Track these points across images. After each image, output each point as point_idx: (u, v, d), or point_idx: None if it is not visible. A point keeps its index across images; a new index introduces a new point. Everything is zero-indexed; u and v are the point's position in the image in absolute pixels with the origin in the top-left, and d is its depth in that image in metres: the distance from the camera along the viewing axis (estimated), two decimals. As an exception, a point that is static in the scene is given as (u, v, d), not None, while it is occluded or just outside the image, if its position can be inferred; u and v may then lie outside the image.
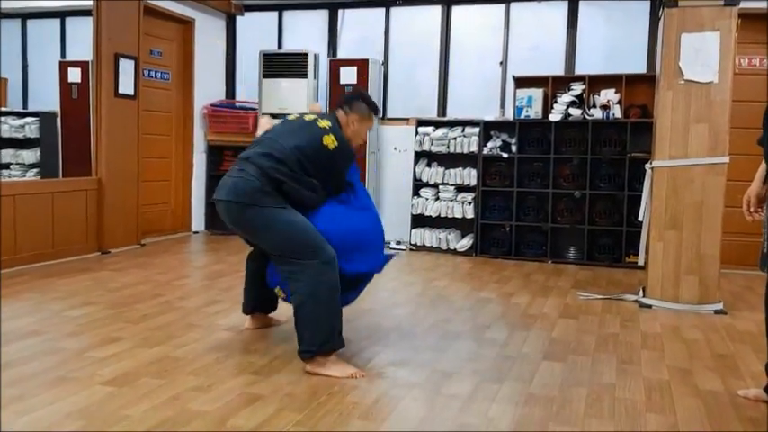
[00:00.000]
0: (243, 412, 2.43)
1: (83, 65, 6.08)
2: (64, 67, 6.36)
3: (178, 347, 3.18)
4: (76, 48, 6.43)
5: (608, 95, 5.90)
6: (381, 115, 6.95)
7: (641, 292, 4.43)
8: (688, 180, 4.20)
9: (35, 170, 6.57)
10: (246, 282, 3.45)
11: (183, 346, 3.20)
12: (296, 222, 2.87)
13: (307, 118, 3.09)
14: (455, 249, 6.25)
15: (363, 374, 2.84)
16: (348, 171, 3.13)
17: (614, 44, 6.26)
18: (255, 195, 2.85)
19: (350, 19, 7.06)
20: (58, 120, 6.48)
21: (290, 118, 3.17)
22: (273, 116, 6.68)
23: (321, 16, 7.13)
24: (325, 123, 3.02)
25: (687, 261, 4.22)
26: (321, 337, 2.82)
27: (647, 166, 4.43)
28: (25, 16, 6.73)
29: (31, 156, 6.59)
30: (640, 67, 6.11)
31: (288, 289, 2.98)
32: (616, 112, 5.87)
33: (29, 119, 6.56)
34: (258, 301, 3.47)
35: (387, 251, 3.20)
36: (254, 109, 7.03)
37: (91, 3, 5.60)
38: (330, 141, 2.97)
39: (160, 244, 6.30)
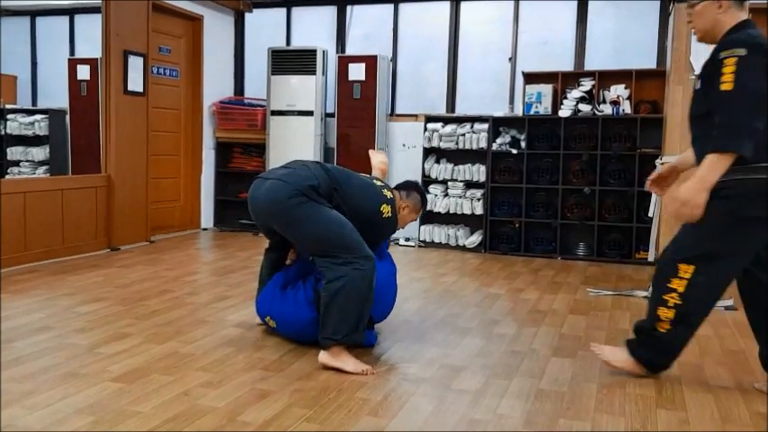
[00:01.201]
0: (253, 408, 2.44)
1: (92, 62, 6.10)
2: (73, 64, 6.38)
3: (188, 343, 3.19)
4: (85, 45, 6.45)
5: (618, 91, 5.87)
6: (390, 111, 6.94)
7: (651, 289, 4.40)
8: (699, 175, 4.17)
9: (45, 167, 6.60)
10: (263, 276, 3.43)
11: (192, 342, 3.21)
12: (341, 219, 2.94)
13: (376, 182, 3.26)
14: (464, 245, 6.24)
15: (374, 372, 2.83)
16: (384, 240, 3.29)
17: (624, 39, 6.22)
18: (307, 189, 2.91)
19: (358, 15, 7.05)
20: (68, 117, 6.51)
21: (361, 174, 3.30)
22: (281, 113, 6.76)
23: (329, 12, 7.13)
24: (388, 193, 3.19)
25: (698, 257, 4.19)
26: (346, 328, 2.82)
27: (658, 161, 4.40)
28: (34, 14, 6.76)
29: (40, 153, 6.62)
30: (650, 63, 6.07)
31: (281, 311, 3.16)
32: (626, 107, 5.84)
33: (38, 116, 6.59)
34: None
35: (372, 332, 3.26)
36: (262, 106, 7.04)
37: (99, 0, 5.61)
38: (386, 210, 3.13)
39: (169, 240, 6.32)
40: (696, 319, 2.68)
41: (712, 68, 2.48)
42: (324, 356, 2.86)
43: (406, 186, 3.41)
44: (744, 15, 2.58)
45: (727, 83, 2.38)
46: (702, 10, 2.63)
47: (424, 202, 3.44)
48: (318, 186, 2.96)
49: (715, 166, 2.38)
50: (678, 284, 2.58)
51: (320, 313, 2.90)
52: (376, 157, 3.68)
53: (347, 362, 2.83)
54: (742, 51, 2.39)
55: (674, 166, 2.91)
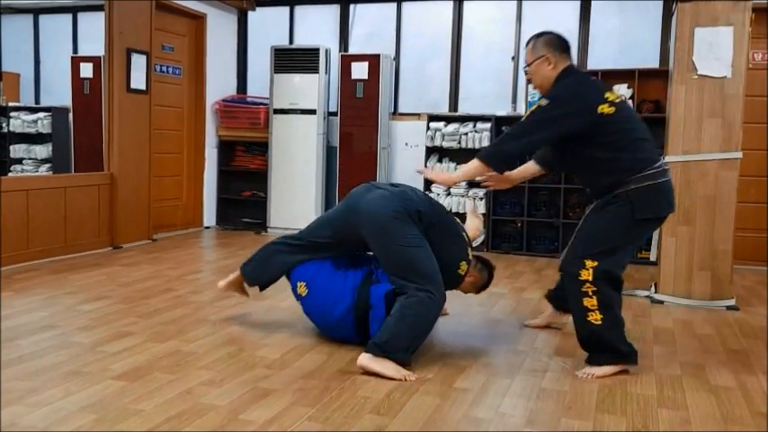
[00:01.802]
0: (255, 406, 2.44)
1: (95, 60, 6.11)
2: (76, 62, 6.39)
3: (190, 342, 3.19)
4: (88, 43, 6.46)
5: (620, 90, 5.85)
6: (393, 110, 6.94)
7: (653, 288, 4.41)
8: (701, 175, 4.17)
9: (47, 165, 6.61)
10: (273, 262, 3.36)
11: (194, 341, 3.21)
12: (430, 251, 2.98)
13: (465, 236, 3.29)
14: (466, 245, 6.23)
15: (416, 377, 2.77)
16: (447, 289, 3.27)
17: (627, 39, 6.22)
18: (414, 212, 3.00)
19: (361, 14, 7.05)
20: (70, 115, 6.52)
21: (455, 219, 3.37)
22: (284, 112, 6.77)
23: (332, 11, 7.12)
24: (470, 254, 3.26)
25: (700, 256, 4.20)
26: (401, 345, 2.82)
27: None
28: (37, 12, 6.77)
29: (43, 151, 6.63)
30: (653, 62, 6.07)
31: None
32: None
33: (41, 114, 6.60)
34: (268, 281, 3.44)
35: None
36: (265, 104, 7.04)
37: (103, -2, 5.62)
38: (463, 268, 3.20)
39: (171, 239, 6.33)
40: (613, 301, 2.90)
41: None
42: (365, 359, 2.80)
43: (484, 261, 3.46)
44: (567, 62, 3.01)
45: (525, 116, 2.97)
46: (536, 69, 3.02)
47: (487, 283, 3.48)
48: (423, 215, 3.02)
49: (476, 167, 2.97)
50: (587, 275, 2.86)
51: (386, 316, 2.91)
52: (473, 221, 3.64)
53: (388, 367, 2.78)
54: (544, 102, 2.90)
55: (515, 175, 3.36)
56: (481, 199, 6.22)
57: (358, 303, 3.06)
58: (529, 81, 3.11)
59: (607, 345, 2.90)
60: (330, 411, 2.42)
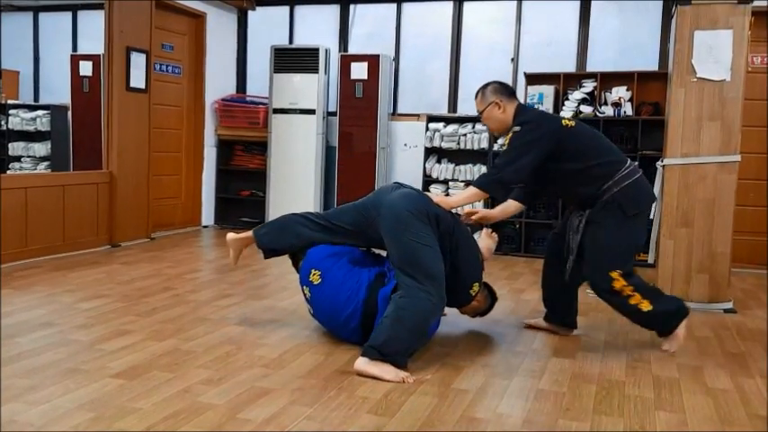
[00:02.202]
0: (253, 406, 2.44)
1: (94, 58, 6.11)
2: (75, 60, 6.39)
3: (188, 340, 3.20)
4: (88, 41, 6.47)
5: (619, 93, 5.87)
6: (392, 111, 6.94)
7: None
8: (699, 178, 4.18)
9: (46, 163, 6.61)
10: (290, 233, 3.33)
11: (193, 340, 3.21)
12: (437, 252, 2.97)
13: (480, 257, 3.31)
14: (464, 246, 6.23)
15: (414, 379, 2.76)
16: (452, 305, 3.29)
17: (626, 41, 6.23)
18: (433, 215, 3.02)
19: (361, 14, 7.05)
20: (69, 113, 6.52)
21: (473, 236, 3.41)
22: (284, 111, 6.77)
23: (333, 11, 7.13)
24: (482, 276, 3.29)
25: (698, 259, 4.21)
26: (397, 347, 2.80)
27: (659, 163, 4.40)
28: (37, 9, 6.77)
29: (42, 148, 6.64)
30: (652, 65, 6.08)
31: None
32: (628, 109, 5.85)
33: (40, 112, 6.61)
34: (278, 251, 3.41)
35: None
36: (264, 104, 7.04)
37: (103, -4, 5.62)
38: (475, 288, 3.22)
39: (170, 238, 6.33)
40: (645, 285, 3.20)
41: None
42: (362, 363, 2.79)
43: (489, 289, 3.46)
44: (516, 103, 3.30)
45: (505, 145, 3.23)
46: (488, 115, 3.29)
47: (487, 311, 3.48)
48: (441, 221, 3.04)
49: (475, 194, 3.23)
50: (620, 284, 3.12)
51: (379, 319, 2.90)
52: (486, 242, 3.55)
53: (386, 369, 2.76)
54: (516, 128, 3.17)
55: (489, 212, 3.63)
56: (479, 200, 6.22)
57: (367, 303, 3.06)
58: (489, 130, 3.49)
59: (666, 316, 3.22)
60: (328, 411, 2.42)
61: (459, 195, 3.30)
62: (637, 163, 3.20)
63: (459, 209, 3.46)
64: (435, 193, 3.15)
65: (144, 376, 2.70)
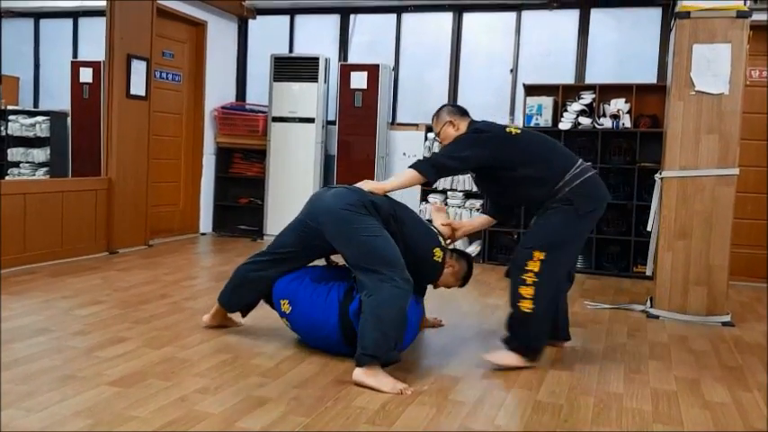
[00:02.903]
0: (250, 415, 2.44)
1: (95, 65, 6.11)
2: (76, 66, 6.39)
3: (185, 348, 3.19)
4: (89, 48, 6.46)
5: (618, 105, 5.90)
6: (391, 120, 6.96)
7: (649, 303, 4.42)
8: (697, 190, 4.19)
9: (45, 169, 6.60)
10: (247, 279, 3.37)
11: (190, 348, 3.21)
12: (390, 239, 2.98)
13: (433, 229, 3.35)
14: (462, 256, 6.24)
15: (412, 390, 2.75)
16: (425, 283, 3.29)
17: (625, 53, 6.26)
18: (369, 204, 3.01)
19: (361, 24, 7.08)
20: (69, 119, 6.51)
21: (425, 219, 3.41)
22: (283, 120, 6.78)
23: (333, 21, 7.15)
24: (442, 241, 3.30)
25: (696, 272, 4.21)
26: (385, 345, 2.80)
27: (657, 176, 4.42)
28: (38, 15, 6.77)
29: (41, 154, 6.62)
30: (651, 77, 6.11)
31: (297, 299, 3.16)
32: (626, 121, 5.87)
33: (40, 118, 6.59)
34: (250, 303, 3.46)
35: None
36: (263, 112, 7.06)
37: (104, 3, 5.63)
38: (438, 254, 3.20)
39: (168, 245, 6.32)
40: (548, 296, 3.12)
41: None
42: (359, 374, 2.78)
43: (460, 252, 3.48)
44: (468, 120, 3.38)
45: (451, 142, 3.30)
46: (444, 134, 3.38)
47: (468, 275, 3.46)
48: (380, 207, 3.04)
49: (411, 177, 3.18)
50: (533, 266, 3.07)
51: (359, 327, 2.87)
52: (439, 216, 3.62)
53: (384, 381, 2.76)
54: (463, 134, 3.28)
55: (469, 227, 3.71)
56: (478, 210, 6.23)
57: (342, 321, 3.05)
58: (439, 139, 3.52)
59: (529, 333, 3.11)
60: (325, 422, 2.41)
61: (394, 179, 3.29)
62: (589, 164, 3.28)
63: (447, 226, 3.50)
64: (369, 185, 3.12)
65: (141, 384, 2.69)
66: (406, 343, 3.12)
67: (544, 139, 3.36)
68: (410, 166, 3.20)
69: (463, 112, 3.43)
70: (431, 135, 6.42)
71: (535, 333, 3.12)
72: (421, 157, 3.64)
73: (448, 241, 3.48)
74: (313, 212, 3.13)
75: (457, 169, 3.33)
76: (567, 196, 3.11)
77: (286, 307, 3.21)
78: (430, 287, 3.39)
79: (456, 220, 3.66)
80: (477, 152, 3.19)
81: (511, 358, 3.12)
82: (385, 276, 2.85)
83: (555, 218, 3.12)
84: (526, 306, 3.07)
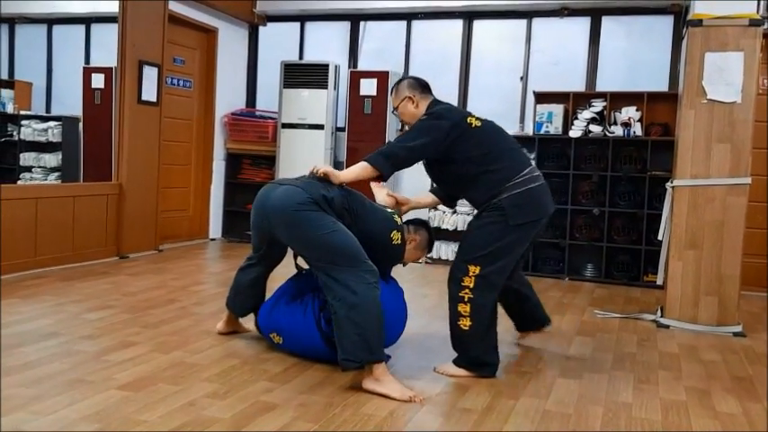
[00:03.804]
0: (258, 420, 2.43)
1: (106, 71, 6.15)
2: (88, 72, 6.43)
3: (194, 353, 3.19)
4: (101, 54, 6.51)
5: (629, 113, 5.88)
6: (400, 127, 6.95)
7: (659, 312, 4.39)
8: (709, 199, 4.17)
9: (56, 174, 6.64)
10: (243, 285, 3.41)
11: (198, 352, 3.21)
12: (348, 232, 2.91)
13: (388, 210, 3.26)
14: (471, 263, 6.21)
15: (423, 399, 2.73)
16: (391, 267, 3.26)
17: (636, 61, 6.25)
18: (320, 199, 2.92)
19: (371, 31, 7.10)
20: (81, 124, 6.56)
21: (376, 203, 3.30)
22: (292, 126, 6.80)
23: (343, 28, 7.18)
24: (398, 220, 3.21)
25: (706, 281, 4.18)
26: (365, 347, 2.74)
27: (668, 184, 4.39)
28: (51, 22, 6.83)
29: (53, 159, 6.66)
30: (662, 85, 6.09)
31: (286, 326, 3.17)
32: (637, 129, 5.85)
33: (52, 123, 6.63)
34: (254, 305, 3.46)
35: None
36: (273, 118, 7.08)
37: (116, 9, 5.67)
38: (396, 237, 3.13)
39: (177, 250, 6.34)
40: (486, 311, 3.08)
41: None
42: (369, 383, 2.75)
43: (415, 222, 3.39)
44: (430, 98, 3.29)
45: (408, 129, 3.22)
46: (403, 110, 3.29)
47: (431, 241, 3.40)
48: (332, 199, 2.95)
49: (363, 169, 3.06)
50: (469, 282, 3.03)
51: (335, 333, 2.83)
52: (380, 194, 3.49)
53: (393, 388, 2.73)
54: (423, 117, 3.17)
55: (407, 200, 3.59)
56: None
57: (323, 336, 3.05)
58: (402, 123, 3.44)
59: (470, 351, 3.08)
60: (333, 428, 2.41)
61: (350, 170, 3.14)
62: (538, 173, 3.15)
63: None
64: (325, 168, 3.10)
65: (149, 388, 2.69)
66: (398, 332, 3.23)
67: (502, 138, 3.20)
68: (364, 159, 3.06)
69: (425, 88, 3.30)
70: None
71: (476, 350, 3.08)
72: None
73: (403, 214, 3.39)
74: (262, 214, 3.05)
75: (414, 159, 3.15)
76: (502, 204, 3.02)
77: (277, 339, 3.24)
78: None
79: (402, 196, 3.56)
80: (434, 140, 3.06)
81: (461, 371, 3.09)
82: (348, 275, 2.79)
83: (487, 229, 3.05)
84: (464, 324, 3.04)
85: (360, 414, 2.55)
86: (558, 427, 2.54)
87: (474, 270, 3.02)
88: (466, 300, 3.03)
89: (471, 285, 3.02)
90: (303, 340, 3.14)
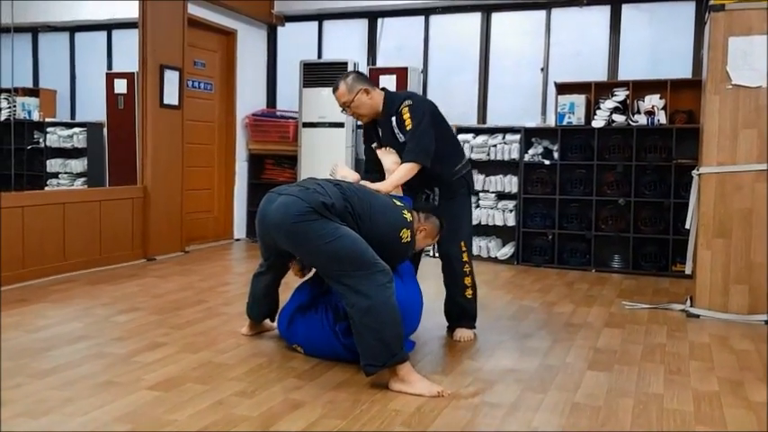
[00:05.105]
0: (286, 418, 2.45)
1: (128, 76, 6.22)
2: (110, 78, 6.51)
3: (221, 353, 3.22)
4: (122, 59, 6.58)
5: (652, 101, 5.80)
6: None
7: (689, 302, 4.33)
8: (736, 187, 4.10)
9: (83, 179, 6.73)
10: (258, 294, 3.46)
11: (226, 352, 3.24)
12: (353, 235, 2.85)
13: (396, 202, 3.15)
14: (496, 257, 6.20)
15: (449, 392, 2.73)
16: (399, 263, 3.19)
17: (658, 48, 6.15)
18: (320, 206, 2.83)
19: (389, 27, 7.08)
20: (105, 130, 6.64)
21: (380, 194, 3.20)
22: (313, 125, 6.81)
23: (360, 25, 7.18)
24: (408, 216, 3.11)
25: (736, 270, 4.11)
26: (385, 350, 2.71)
27: (694, 172, 4.33)
28: (73, 29, 6.92)
29: (78, 165, 6.75)
30: (686, 72, 5.99)
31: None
32: (661, 117, 5.77)
33: (77, 129, 6.72)
34: (270, 311, 3.53)
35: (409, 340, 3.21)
36: (294, 118, 7.10)
37: (136, 15, 5.73)
38: (406, 235, 3.07)
39: (203, 251, 6.40)
40: (475, 276, 3.66)
41: (399, 119, 3.37)
42: (395, 384, 2.74)
43: (425, 209, 3.34)
44: (377, 87, 3.50)
45: (408, 123, 3.34)
46: (359, 103, 3.41)
47: (441, 228, 3.35)
48: (332, 205, 2.86)
49: (412, 169, 3.30)
50: (465, 257, 3.55)
51: (355, 339, 2.82)
52: (388, 158, 3.44)
53: (420, 387, 2.72)
54: (409, 101, 3.38)
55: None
56: (511, 211, 6.18)
57: (342, 344, 3.06)
58: (355, 117, 3.57)
59: (473, 312, 3.64)
60: (360, 425, 2.41)
61: (396, 175, 3.30)
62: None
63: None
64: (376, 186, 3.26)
65: (179, 388, 2.72)
66: (414, 324, 3.23)
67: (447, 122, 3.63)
68: (407, 160, 3.29)
69: (369, 79, 3.51)
70: (461, 137, 6.36)
71: (475, 309, 3.66)
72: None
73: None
74: (264, 228, 3.03)
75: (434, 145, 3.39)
76: (465, 176, 3.53)
77: (300, 350, 3.25)
78: None
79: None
80: (433, 123, 3.37)
81: (472, 333, 3.61)
82: (359, 279, 2.74)
83: (465, 208, 3.59)
84: (468, 293, 3.59)
85: (387, 410, 2.55)
86: (587, 420, 2.52)
87: (463, 246, 3.52)
88: (468, 272, 3.56)
89: (466, 259, 3.54)
90: (325, 351, 3.14)
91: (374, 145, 3.59)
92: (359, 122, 6.91)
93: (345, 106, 3.44)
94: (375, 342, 2.72)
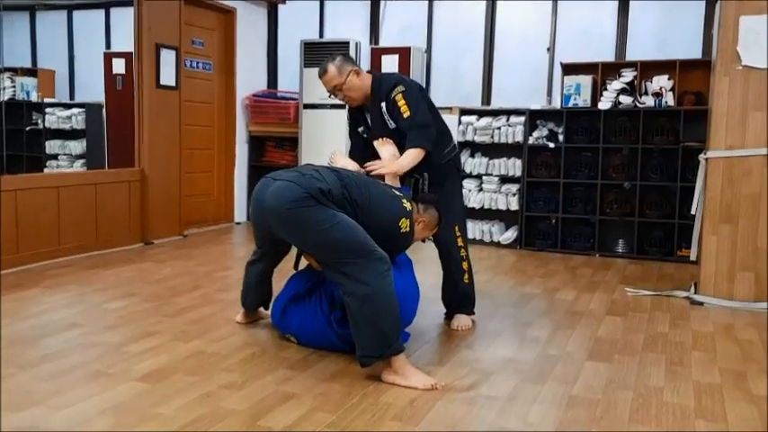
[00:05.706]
0: (275, 411, 2.39)
1: (127, 56, 6.13)
2: (108, 58, 6.42)
3: (214, 342, 3.17)
4: (121, 38, 6.48)
5: (660, 82, 5.67)
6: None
7: (693, 289, 4.24)
8: (745, 171, 3.99)
9: (82, 161, 6.67)
10: (251, 282, 3.41)
11: (219, 341, 3.18)
12: (351, 223, 2.76)
13: (395, 191, 3.07)
14: (499, 242, 6.12)
15: (444, 384, 2.67)
16: (398, 254, 3.13)
17: (667, 28, 6.00)
18: (317, 192, 2.73)
19: (393, 8, 6.94)
20: (104, 110, 6.56)
21: (378, 182, 3.13)
22: (314, 106, 6.71)
23: (363, 5, 7.03)
24: (407, 205, 3.03)
25: (742, 256, 4.02)
26: (381, 341, 2.65)
27: (702, 156, 4.22)
28: (71, 8, 6.82)
29: (77, 146, 6.69)
30: (695, 53, 5.84)
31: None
32: (669, 99, 5.64)
33: (75, 110, 6.65)
34: (263, 300, 3.47)
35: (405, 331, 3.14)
36: (294, 99, 7.00)
37: (133, -7, 5.63)
38: (405, 225, 2.99)
39: (202, 235, 6.34)
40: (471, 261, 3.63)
41: (392, 106, 3.30)
42: (388, 375, 2.68)
43: (425, 200, 3.24)
44: (363, 70, 3.41)
45: (405, 111, 3.27)
46: (350, 85, 3.31)
47: (440, 219, 3.28)
48: (329, 191, 2.76)
49: (419, 154, 3.25)
50: (460, 242, 3.51)
51: (351, 329, 2.75)
52: (386, 149, 3.34)
53: (413, 379, 2.66)
54: (401, 87, 3.30)
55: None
56: (514, 195, 6.09)
57: (336, 333, 3.01)
58: (346, 101, 3.43)
59: (472, 296, 3.61)
60: (351, 418, 2.35)
61: (405, 159, 3.24)
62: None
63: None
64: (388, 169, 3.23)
65: (168, 380, 2.67)
66: (410, 316, 3.15)
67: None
68: (413, 146, 3.22)
69: (355, 60, 3.45)
70: (465, 118, 6.29)
71: (473, 293, 3.63)
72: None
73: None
74: (259, 214, 2.95)
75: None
76: (454, 159, 3.53)
77: (294, 340, 3.19)
78: None
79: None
80: (427, 107, 3.34)
81: (470, 321, 3.56)
82: (357, 267, 2.66)
83: (457, 193, 3.59)
84: (465, 278, 3.54)
85: (379, 403, 2.49)
86: (585, 414, 2.45)
87: (458, 231, 3.49)
88: (464, 257, 3.52)
89: (461, 244, 3.51)
90: (319, 341, 3.08)
91: (360, 129, 3.52)
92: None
93: (336, 90, 3.31)
94: (372, 333, 2.66)
